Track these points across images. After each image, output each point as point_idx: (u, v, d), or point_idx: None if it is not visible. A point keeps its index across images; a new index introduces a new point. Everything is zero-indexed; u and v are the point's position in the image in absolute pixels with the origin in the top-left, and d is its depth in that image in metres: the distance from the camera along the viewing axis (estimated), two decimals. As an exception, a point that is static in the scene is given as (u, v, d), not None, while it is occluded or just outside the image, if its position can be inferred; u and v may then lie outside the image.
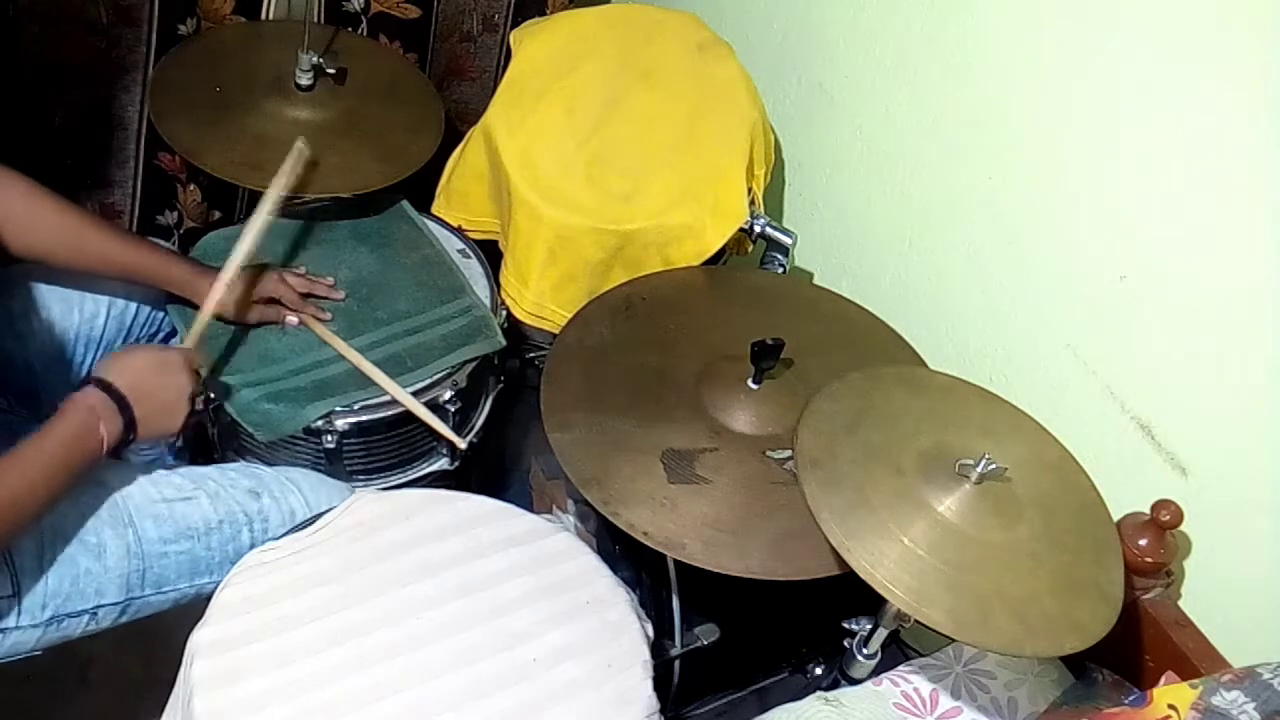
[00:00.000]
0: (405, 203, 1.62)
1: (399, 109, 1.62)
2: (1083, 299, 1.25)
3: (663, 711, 1.10)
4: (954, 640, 1.15)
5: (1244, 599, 1.15)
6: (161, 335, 1.44)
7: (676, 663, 1.33)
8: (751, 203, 1.50)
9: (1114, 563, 1.09)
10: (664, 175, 1.50)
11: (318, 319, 1.42)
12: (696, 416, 1.25)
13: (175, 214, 1.86)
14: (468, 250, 1.60)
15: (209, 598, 1.11)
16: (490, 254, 1.60)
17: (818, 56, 1.60)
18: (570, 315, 1.39)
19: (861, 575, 1.03)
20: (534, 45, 1.60)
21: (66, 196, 1.25)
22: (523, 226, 1.49)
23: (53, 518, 1.11)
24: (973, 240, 1.39)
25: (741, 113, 1.54)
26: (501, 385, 1.58)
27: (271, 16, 1.73)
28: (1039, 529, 1.08)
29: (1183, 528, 1.14)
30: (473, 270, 1.57)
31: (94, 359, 1.36)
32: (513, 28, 1.75)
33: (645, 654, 1.11)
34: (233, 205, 1.88)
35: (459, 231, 1.63)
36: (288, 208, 1.55)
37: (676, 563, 1.28)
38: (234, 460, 1.41)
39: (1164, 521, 1.12)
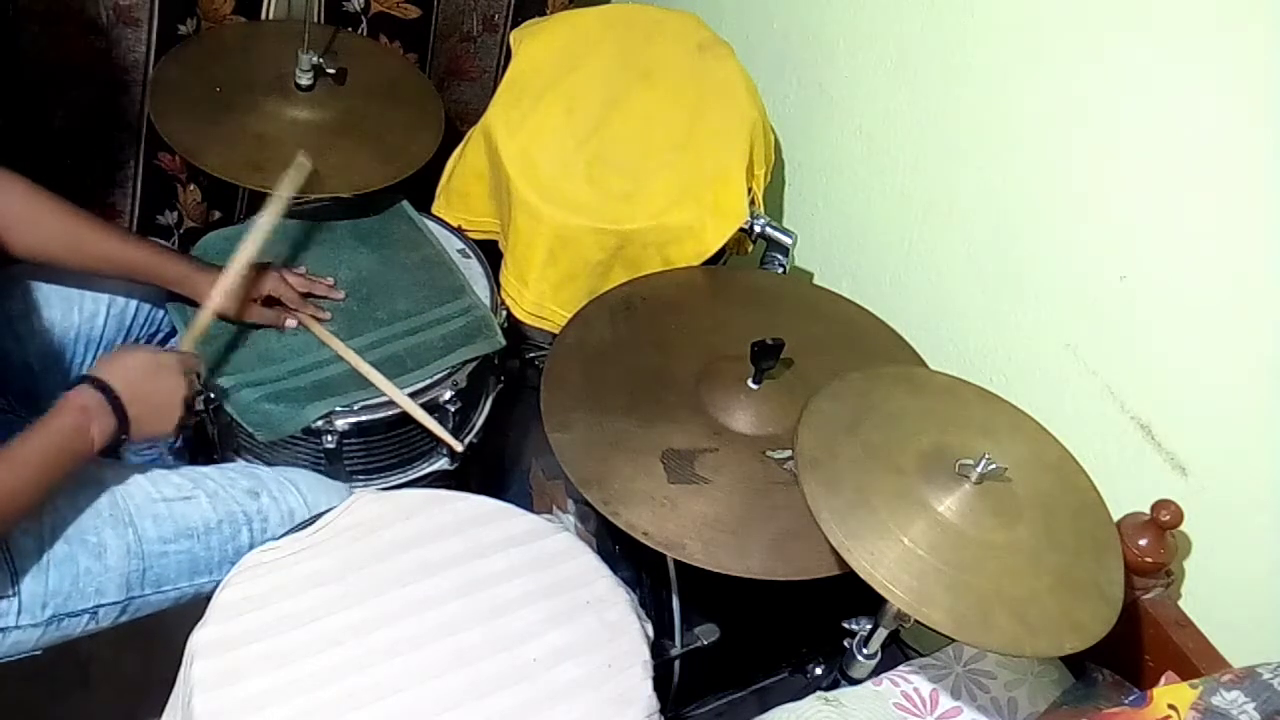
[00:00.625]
0: (405, 203, 1.62)
1: (399, 109, 1.62)
2: (1083, 299, 1.25)
3: (663, 711, 1.10)
4: (954, 640, 1.15)
5: (1244, 599, 1.15)
6: (161, 334, 1.44)
7: (676, 663, 1.33)
8: (751, 203, 1.50)
9: (1114, 563, 1.09)
10: (664, 175, 1.50)
11: (317, 319, 1.42)
12: (696, 416, 1.25)
13: (175, 214, 1.86)
14: (468, 250, 1.60)
15: (209, 597, 1.11)
16: (490, 254, 1.60)
17: (818, 56, 1.60)
18: (570, 315, 1.39)
19: (861, 575, 1.03)
20: (534, 45, 1.60)
21: (66, 196, 1.26)
22: (523, 226, 1.49)
23: (53, 517, 1.12)
24: (973, 240, 1.39)
25: (741, 113, 1.54)
26: (501, 385, 1.58)
27: (271, 16, 1.73)
28: (1039, 529, 1.08)
29: (1183, 528, 1.14)
30: (473, 270, 1.57)
31: (94, 358, 1.36)
32: (513, 28, 1.75)
33: (645, 654, 1.11)
34: (233, 205, 1.88)
35: (459, 231, 1.63)
36: (288, 207, 1.55)
37: (676, 563, 1.28)
38: (234, 460, 1.41)
39: (1164, 521, 1.12)
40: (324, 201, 1.55)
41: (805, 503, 1.08)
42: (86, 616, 1.15)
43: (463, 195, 1.64)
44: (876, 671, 1.24)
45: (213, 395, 1.32)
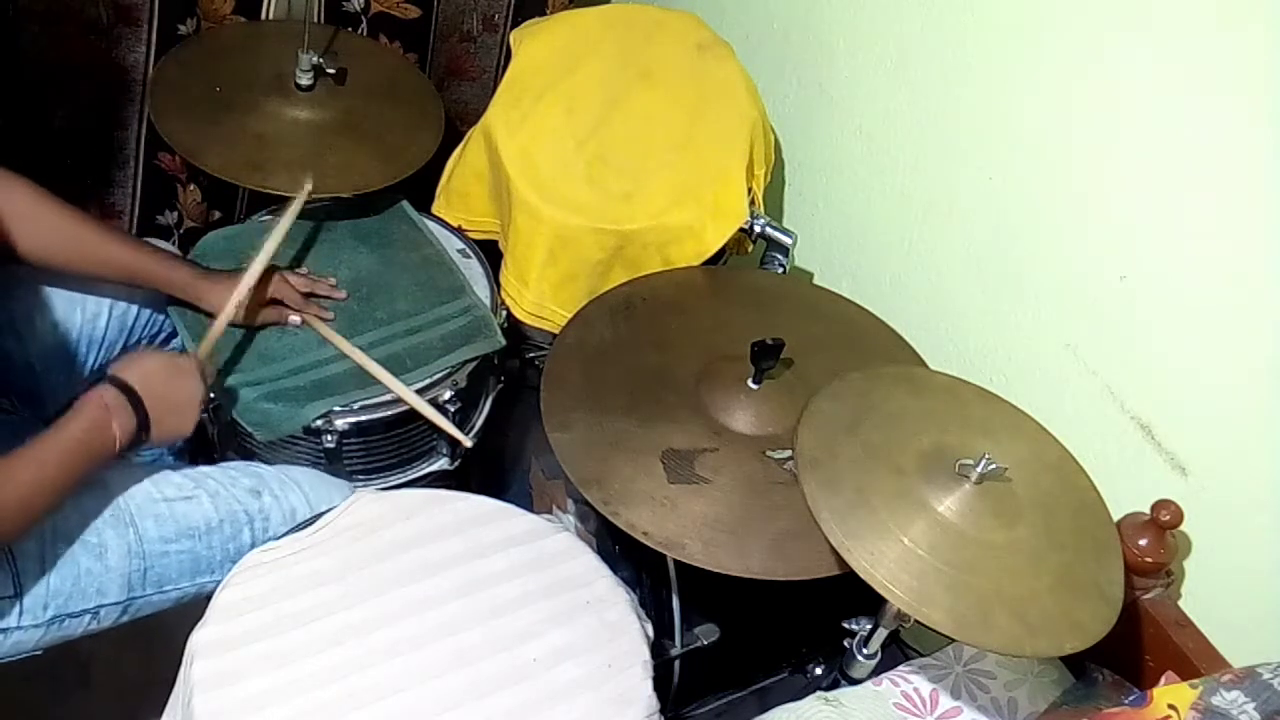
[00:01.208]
0: (405, 203, 1.62)
1: (399, 109, 1.62)
2: (1083, 299, 1.25)
3: (663, 711, 1.10)
4: (954, 640, 1.15)
5: (1244, 599, 1.15)
6: (163, 335, 1.44)
7: (676, 663, 1.33)
8: (751, 203, 1.50)
9: (1114, 563, 1.09)
10: (664, 175, 1.50)
11: (320, 319, 1.42)
12: (696, 416, 1.25)
13: (175, 214, 1.86)
14: (468, 250, 1.60)
15: (210, 597, 1.11)
16: (490, 254, 1.60)
17: (818, 56, 1.60)
18: (570, 315, 1.39)
19: (861, 575, 1.03)
20: (534, 45, 1.60)
21: (66, 196, 1.26)
22: (523, 226, 1.49)
23: (54, 518, 1.11)
24: (973, 240, 1.39)
25: (741, 113, 1.54)
26: (501, 385, 1.58)
27: (271, 16, 1.73)
28: (1039, 529, 1.08)
29: (1183, 528, 1.14)
30: (473, 270, 1.57)
31: (96, 359, 1.36)
32: (513, 28, 1.75)
33: (645, 654, 1.11)
34: (233, 205, 1.88)
35: (459, 231, 1.63)
36: (288, 208, 1.55)
37: (676, 563, 1.28)
38: (234, 460, 1.41)
39: (1164, 521, 1.12)
40: (324, 201, 1.55)
41: (805, 503, 1.08)
42: (88, 617, 1.15)
43: (463, 195, 1.64)
44: (876, 671, 1.24)
45: (213, 395, 1.32)
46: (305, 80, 1.55)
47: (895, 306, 1.49)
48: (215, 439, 1.41)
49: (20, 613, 1.10)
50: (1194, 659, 1.12)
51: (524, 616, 1.12)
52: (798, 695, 1.20)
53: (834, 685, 1.25)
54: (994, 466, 1.05)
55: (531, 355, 1.74)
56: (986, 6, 1.30)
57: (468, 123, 1.72)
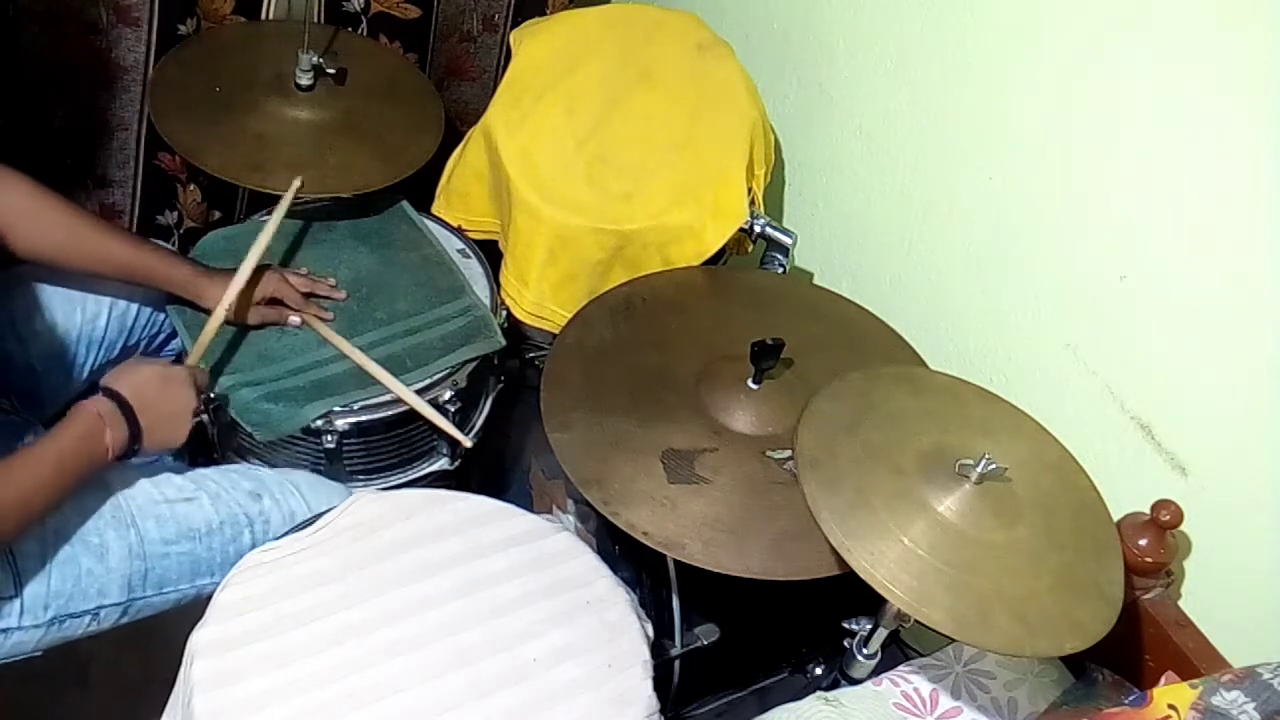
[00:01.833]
0: (405, 203, 1.62)
1: (399, 109, 1.62)
2: (1083, 299, 1.25)
3: (663, 711, 1.10)
4: (954, 640, 1.15)
5: (1244, 599, 1.15)
6: (162, 336, 1.44)
7: (676, 663, 1.33)
8: (751, 203, 1.50)
9: (1114, 563, 1.09)
10: (664, 175, 1.50)
11: (320, 319, 1.42)
12: (696, 416, 1.25)
13: (175, 214, 1.86)
14: (468, 250, 1.60)
15: (210, 598, 1.11)
16: (490, 254, 1.60)
17: (818, 56, 1.60)
18: (570, 315, 1.39)
19: (861, 575, 1.03)
20: (534, 45, 1.60)
21: (66, 197, 1.26)
22: (523, 226, 1.49)
23: (55, 518, 1.12)
24: (973, 240, 1.39)
25: (741, 113, 1.54)
26: (501, 385, 1.58)
27: (271, 16, 1.73)
28: (1039, 529, 1.08)
29: (1183, 528, 1.14)
30: (473, 270, 1.57)
31: (95, 360, 1.36)
32: (513, 28, 1.75)
33: (645, 654, 1.11)
34: (233, 205, 1.88)
35: (459, 231, 1.63)
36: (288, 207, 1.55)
37: (676, 563, 1.28)
38: (234, 460, 1.41)
39: (1164, 521, 1.12)
40: (324, 201, 1.55)
41: (805, 503, 1.08)
42: (88, 617, 1.15)
43: (463, 195, 1.64)
44: (876, 671, 1.24)
45: (212, 395, 1.32)
46: (305, 80, 1.55)
47: (895, 306, 1.49)
48: (215, 439, 1.41)
49: (21, 613, 1.10)
50: (1194, 659, 1.12)
51: (524, 616, 1.12)
52: (798, 695, 1.20)
53: (834, 685, 1.25)
54: (994, 466, 1.05)
55: (531, 355, 1.74)
56: (986, 6, 1.30)
57: (468, 123, 1.72)
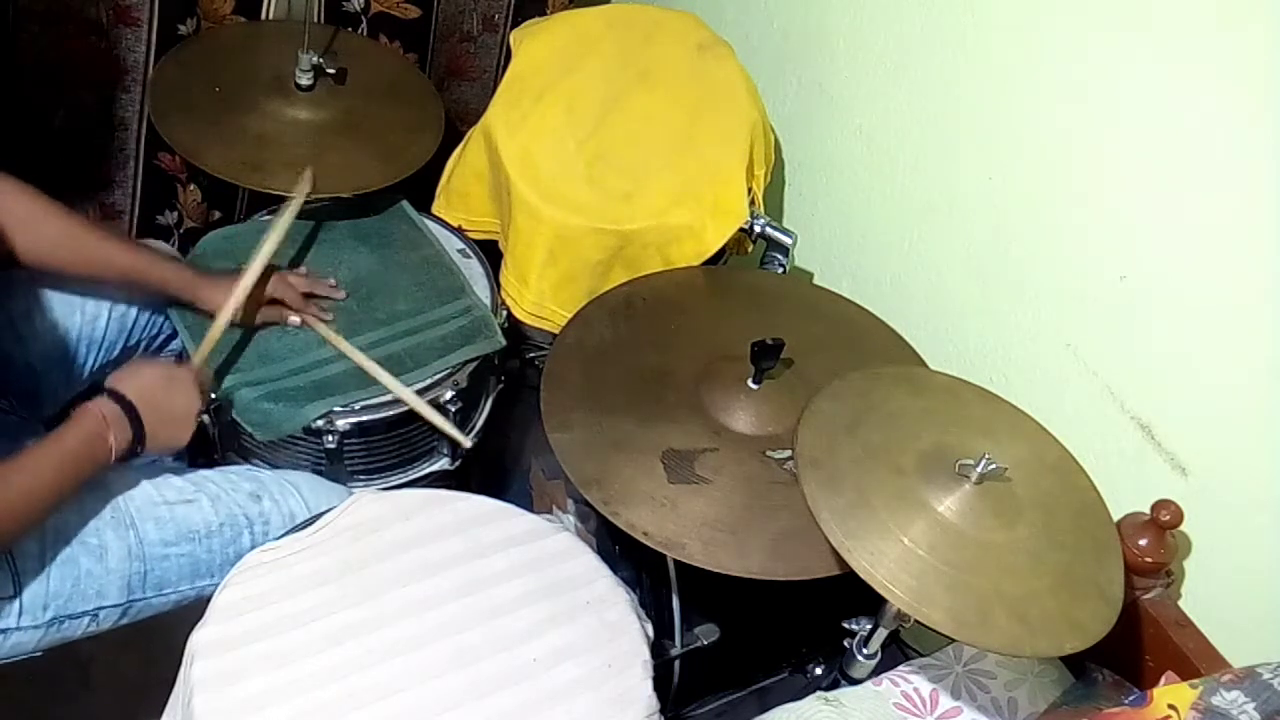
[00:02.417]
0: (405, 203, 1.62)
1: (399, 109, 1.62)
2: (1083, 299, 1.25)
3: (663, 711, 1.10)
4: (954, 640, 1.15)
5: (1244, 599, 1.15)
6: (162, 337, 1.44)
7: (676, 663, 1.33)
8: (751, 203, 1.50)
9: (1114, 563, 1.09)
10: (664, 175, 1.50)
11: (320, 319, 1.42)
12: (696, 416, 1.25)
13: (175, 214, 1.86)
14: (468, 250, 1.60)
15: (209, 600, 1.11)
16: (490, 254, 1.60)
17: (818, 56, 1.60)
18: (570, 315, 1.39)
19: (861, 575, 1.03)
20: (534, 45, 1.60)
21: (67, 197, 1.26)
22: (523, 226, 1.49)
23: (55, 519, 1.12)
24: (973, 240, 1.39)
25: (741, 113, 1.54)
26: (501, 385, 1.58)
27: (271, 16, 1.73)
28: (1039, 529, 1.08)
29: (1183, 528, 1.14)
30: (473, 270, 1.57)
31: (95, 360, 1.36)
32: (513, 28, 1.75)
33: (645, 654, 1.11)
34: (233, 205, 1.89)
35: (459, 231, 1.63)
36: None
37: (676, 563, 1.28)
38: (234, 461, 1.41)
39: (1164, 521, 1.12)
40: (324, 201, 1.55)
41: (805, 503, 1.08)
42: (87, 618, 1.15)
43: (463, 195, 1.64)
44: (876, 671, 1.24)
45: (214, 395, 1.32)
46: (305, 80, 1.55)
47: (895, 306, 1.49)
48: (216, 439, 1.41)
49: (20, 613, 1.10)
50: (1194, 659, 1.12)
51: (524, 616, 1.12)
52: (798, 695, 1.20)
53: (834, 685, 1.25)
54: (994, 466, 1.05)
55: (531, 355, 1.74)
56: (986, 6, 1.30)
57: (468, 123, 1.72)
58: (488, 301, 1.52)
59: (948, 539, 1.04)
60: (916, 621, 1.03)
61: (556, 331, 1.43)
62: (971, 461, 1.06)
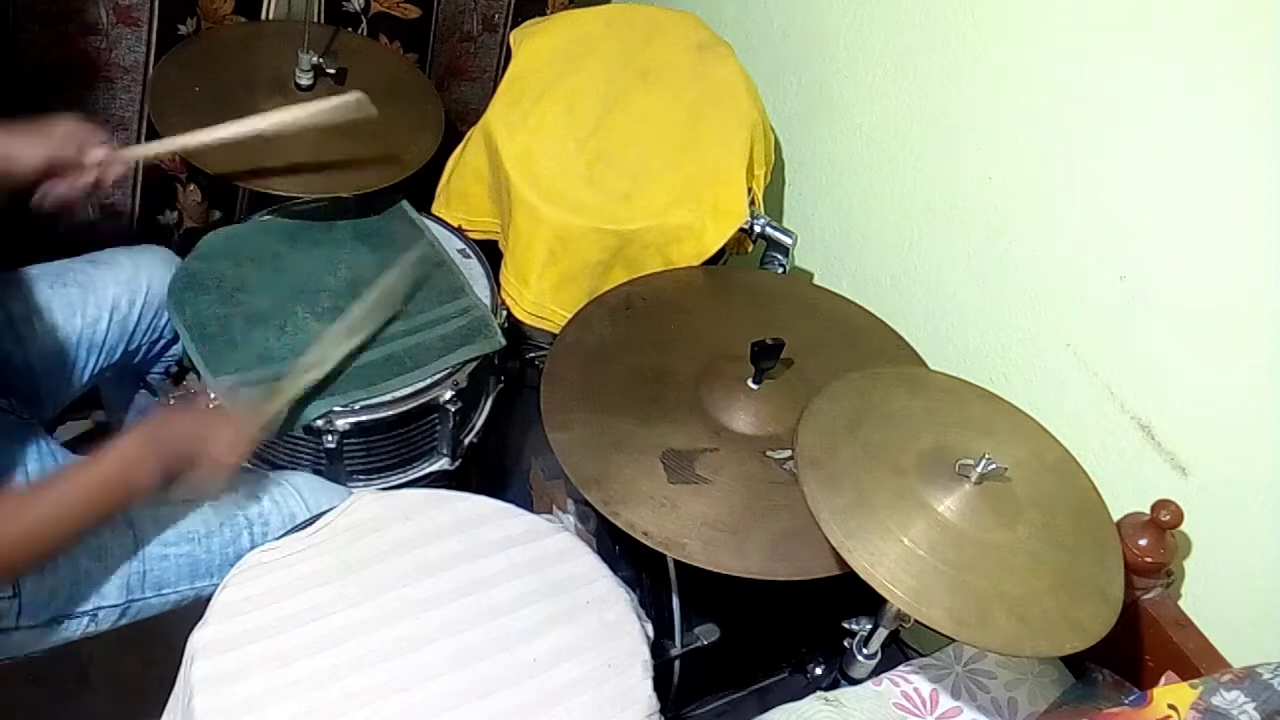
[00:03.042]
0: (405, 203, 1.62)
1: (399, 109, 1.62)
2: (1083, 299, 1.25)
3: (663, 711, 1.10)
4: (954, 640, 1.15)
5: (1244, 599, 1.15)
6: (163, 340, 1.44)
7: (676, 663, 1.33)
8: (751, 203, 1.50)
9: (1114, 563, 1.09)
10: (664, 175, 1.50)
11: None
12: (696, 416, 1.25)
13: (175, 214, 1.86)
14: (468, 250, 1.60)
15: (209, 600, 1.11)
16: (490, 254, 1.60)
17: (818, 56, 1.60)
18: (570, 315, 1.39)
19: (861, 575, 1.03)
20: (534, 45, 1.60)
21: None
22: (523, 226, 1.49)
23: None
24: (973, 240, 1.39)
25: (741, 113, 1.54)
26: (501, 385, 1.58)
27: (271, 16, 1.73)
28: (1039, 529, 1.08)
29: (1183, 528, 1.14)
30: (473, 270, 1.57)
31: (96, 363, 1.36)
32: (513, 28, 1.75)
33: (645, 654, 1.11)
34: (233, 205, 1.88)
35: (459, 231, 1.63)
36: (288, 207, 1.55)
37: (676, 563, 1.28)
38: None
39: (1164, 521, 1.12)
40: (324, 201, 1.55)
41: (805, 503, 1.08)
42: (86, 618, 1.15)
43: (463, 195, 1.64)
44: (876, 671, 1.24)
45: (214, 395, 1.32)
46: (305, 80, 1.55)
47: (895, 306, 1.49)
48: (215, 439, 1.41)
49: (19, 613, 1.10)
50: (1194, 659, 1.12)
51: (524, 616, 1.12)
52: (798, 695, 1.20)
53: (834, 685, 1.25)
54: (994, 466, 1.05)
55: (531, 355, 1.74)
56: (986, 7, 1.30)
57: (468, 123, 1.72)
58: (488, 301, 1.52)
59: (948, 539, 1.04)
60: (916, 621, 1.03)
61: (556, 331, 1.43)
62: (971, 461, 1.06)
